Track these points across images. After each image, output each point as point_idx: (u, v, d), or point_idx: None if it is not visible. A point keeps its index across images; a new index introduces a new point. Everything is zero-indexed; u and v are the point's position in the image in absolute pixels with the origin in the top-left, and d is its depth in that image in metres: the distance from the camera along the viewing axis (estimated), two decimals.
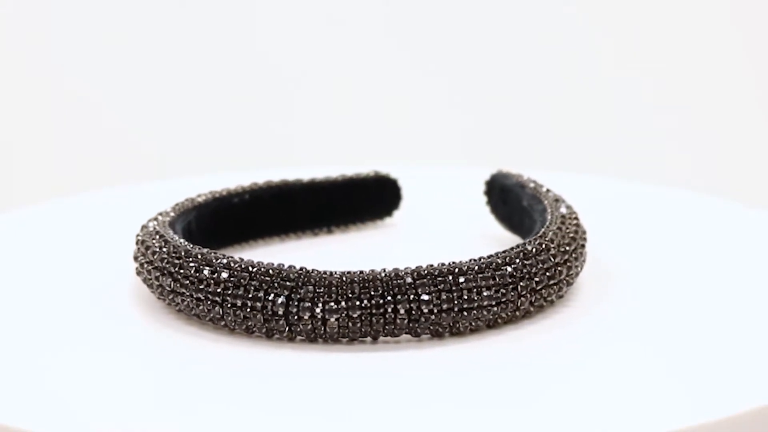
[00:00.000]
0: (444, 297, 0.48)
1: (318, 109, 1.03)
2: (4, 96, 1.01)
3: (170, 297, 0.50)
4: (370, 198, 0.62)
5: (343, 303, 0.47)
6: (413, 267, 0.48)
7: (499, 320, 0.49)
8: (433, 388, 0.45)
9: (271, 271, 0.48)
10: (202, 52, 1.02)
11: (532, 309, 0.50)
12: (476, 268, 0.48)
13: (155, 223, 0.53)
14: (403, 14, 1.03)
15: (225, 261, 0.48)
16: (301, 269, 0.48)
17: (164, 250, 0.50)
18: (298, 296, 0.47)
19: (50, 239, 0.62)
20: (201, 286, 0.48)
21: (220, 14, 1.02)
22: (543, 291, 0.50)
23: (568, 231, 0.52)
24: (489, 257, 0.49)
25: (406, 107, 1.03)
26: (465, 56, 1.03)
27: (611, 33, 1.03)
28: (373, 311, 0.47)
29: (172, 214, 0.55)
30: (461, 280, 0.48)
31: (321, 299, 0.47)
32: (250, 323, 0.48)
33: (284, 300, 0.47)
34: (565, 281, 0.51)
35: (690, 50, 1.02)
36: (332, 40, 1.03)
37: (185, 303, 0.49)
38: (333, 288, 0.47)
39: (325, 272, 0.48)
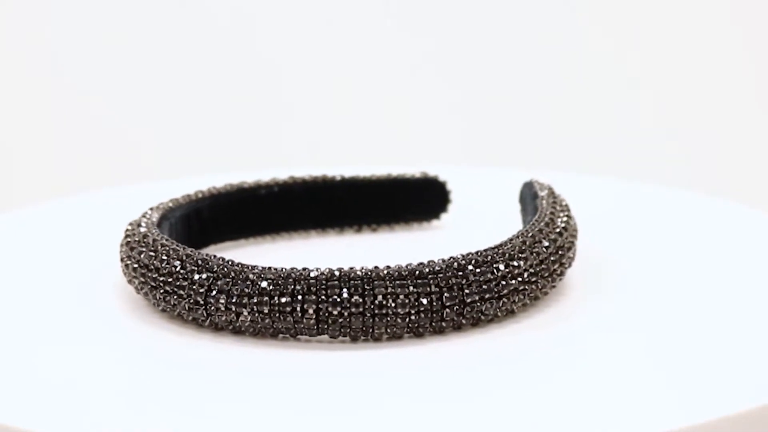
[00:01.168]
0: (354, 300, 0.47)
1: (318, 109, 1.03)
2: (4, 96, 1.01)
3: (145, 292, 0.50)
4: (416, 199, 0.61)
5: (254, 298, 0.47)
6: (368, 267, 0.47)
7: (420, 329, 0.48)
8: (415, 387, 0.45)
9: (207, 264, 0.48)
10: (202, 52, 1.02)
11: (463, 321, 0.48)
12: (396, 274, 0.47)
13: (144, 219, 0.53)
14: (403, 14, 1.03)
15: (181, 253, 0.49)
16: (233, 264, 0.48)
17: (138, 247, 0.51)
18: (216, 288, 0.48)
19: (50, 239, 0.62)
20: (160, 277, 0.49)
21: (222, 15, 1.03)
22: (473, 305, 0.48)
23: (535, 249, 0.50)
24: (419, 264, 0.48)
25: (406, 107, 1.03)
26: (466, 56, 1.03)
27: (611, 33, 1.03)
28: (282, 309, 0.47)
29: (170, 205, 0.56)
30: (377, 284, 0.47)
31: (237, 293, 0.47)
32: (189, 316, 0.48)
33: (204, 290, 0.48)
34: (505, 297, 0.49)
35: (690, 50, 1.02)
36: (332, 40, 1.03)
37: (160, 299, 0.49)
38: (248, 282, 0.47)
39: (252, 267, 0.47)
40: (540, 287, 0.50)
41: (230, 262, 0.48)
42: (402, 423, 0.43)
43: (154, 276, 0.50)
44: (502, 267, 0.49)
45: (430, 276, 0.48)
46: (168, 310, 0.50)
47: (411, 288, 0.47)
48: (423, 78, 1.03)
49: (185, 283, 0.48)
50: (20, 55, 1.01)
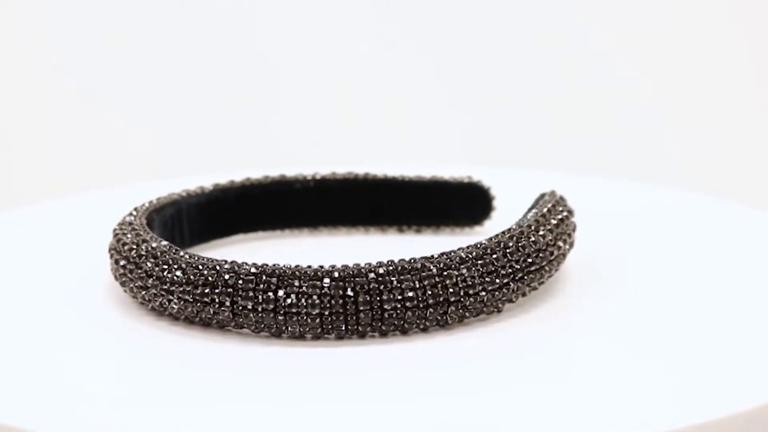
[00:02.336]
0: (266, 297, 0.47)
1: (318, 109, 1.03)
2: (4, 96, 1.01)
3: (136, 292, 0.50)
4: (459, 203, 0.60)
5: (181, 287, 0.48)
6: (336, 265, 0.48)
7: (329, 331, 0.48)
8: (399, 385, 0.46)
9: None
10: (202, 52, 1.02)
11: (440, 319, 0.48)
12: (312, 273, 0.47)
13: (131, 218, 0.53)
14: (402, 14, 1.03)
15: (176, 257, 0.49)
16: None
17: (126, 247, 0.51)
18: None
19: (49, 239, 0.62)
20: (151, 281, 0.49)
21: (223, 16, 1.03)
22: (431, 308, 0.48)
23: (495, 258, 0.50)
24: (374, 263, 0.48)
25: (405, 107, 1.03)
26: (466, 56, 1.03)
27: (611, 33, 1.03)
28: (202, 300, 0.48)
29: (179, 197, 0.57)
30: (326, 282, 0.47)
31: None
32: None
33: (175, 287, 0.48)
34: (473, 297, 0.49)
35: (690, 50, 1.02)
36: (331, 39, 1.03)
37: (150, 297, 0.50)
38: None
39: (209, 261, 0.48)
40: (511, 291, 0.50)
41: (196, 257, 0.49)
42: (396, 422, 0.43)
43: (135, 272, 0.50)
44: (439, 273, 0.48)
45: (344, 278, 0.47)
46: (156, 308, 0.50)
47: (311, 288, 0.47)
48: (422, 78, 1.03)
49: (156, 282, 0.49)
50: (20, 55, 1.01)
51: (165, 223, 0.57)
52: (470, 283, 0.48)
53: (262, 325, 0.48)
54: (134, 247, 0.51)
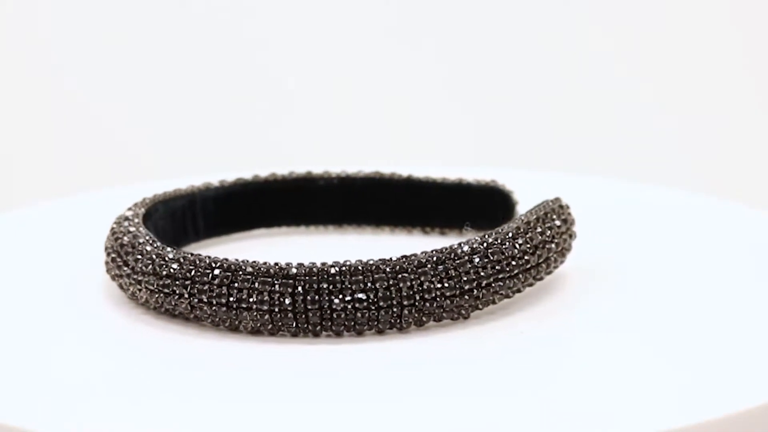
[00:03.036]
0: (219, 291, 0.48)
1: (318, 109, 1.03)
2: (4, 96, 1.01)
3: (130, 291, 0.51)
4: (480, 206, 0.59)
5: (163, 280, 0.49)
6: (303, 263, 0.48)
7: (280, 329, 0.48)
8: (386, 383, 0.46)
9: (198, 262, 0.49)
10: (202, 51, 1.02)
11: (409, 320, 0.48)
12: (264, 270, 0.48)
13: (131, 213, 0.54)
14: (402, 13, 1.03)
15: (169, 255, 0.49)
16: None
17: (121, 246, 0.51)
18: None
19: (50, 239, 0.62)
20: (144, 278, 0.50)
21: (223, 17, 1.03)
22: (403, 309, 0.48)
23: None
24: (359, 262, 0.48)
25: (408, 108, 1.03)
26: (466, 56, 1.03)
27: (611, 33, 1.03)
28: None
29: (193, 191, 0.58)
30: (277, 279, 0.47)
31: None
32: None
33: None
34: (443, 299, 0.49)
35: (690, 50, 1.02)
36: (330, 39, 1.03)
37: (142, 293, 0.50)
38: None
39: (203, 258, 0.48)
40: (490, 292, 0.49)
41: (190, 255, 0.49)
42: (392, 420, 0.43)
43: (115, 261, 0.51)
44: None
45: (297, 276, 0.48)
46: (149, 305, 0.50)
47: (262, 285, 0.47)
48: (425, 78, 1.03)
49: (129, 272, 0.50)
50: (20, 55, 1.01)
51: (173, 214, 0.58)
52: (427, 287, 0.48)
53: (217, 319, 0.48)
54: (119, 237, 0.52)
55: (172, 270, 0.49)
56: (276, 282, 0.47)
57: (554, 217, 0.52)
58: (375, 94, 1.03)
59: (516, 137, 1.03)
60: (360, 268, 0.48)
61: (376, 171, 0.61)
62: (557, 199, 0.53)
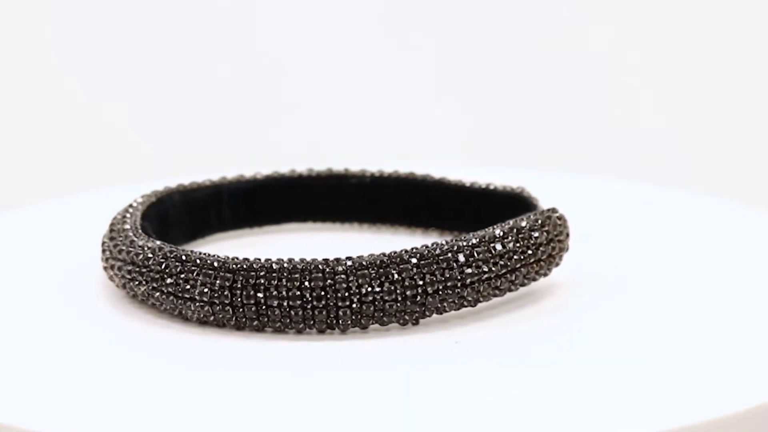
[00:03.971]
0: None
1: (317, 108, 1.03)
2: (4, 96, 1.01)
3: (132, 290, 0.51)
4: (504, 214, 0.57)
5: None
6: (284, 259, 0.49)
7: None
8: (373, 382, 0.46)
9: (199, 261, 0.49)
10: (201, 52, 1.02)
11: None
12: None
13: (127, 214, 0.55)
14: (402, 13, 1.03)
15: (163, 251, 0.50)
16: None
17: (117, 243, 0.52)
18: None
19: (50, 239, 0.62)
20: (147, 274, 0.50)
21: (224, 17, 1.03)
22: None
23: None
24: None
25: (406, 106, 1.03)
26: (466, 56, 1.03)
27: (611, 33, 1.03)
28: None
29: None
30: (219, 273, 0.48)
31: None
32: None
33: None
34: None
35: (690, 50, 1.02)
36: (330, 39, 1.03)
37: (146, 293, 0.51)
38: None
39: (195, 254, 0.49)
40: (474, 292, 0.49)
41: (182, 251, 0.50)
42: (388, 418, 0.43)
43: (122, 265, 0.51)
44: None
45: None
46: (145, 301, 0.51)
47: (204, 277, 0.48)
48: (422, 77, 1.03)
49: (109, 256, 0.52)
50: (20, 55, 1.01)
51: (193, 204, 0.59)
52: (365, 291, 0.48)
53: (174, 309, 0.49)
54: (113, 228, 0.53)
55: (135, 257, 0.50)
56: (217, 275, 0.48)
57: (535, 233, 0.51)
58: (375, 93, 1.04)
59: (516, 137, 1.03)
60: (298, 266, 0.48)
61: (411, 172, 0.61)
62: (545, 211, 0.52)
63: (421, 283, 0.48)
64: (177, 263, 0.49)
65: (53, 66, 1.01)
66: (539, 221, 0.51)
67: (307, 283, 0.48)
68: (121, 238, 0.52)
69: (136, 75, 1.02)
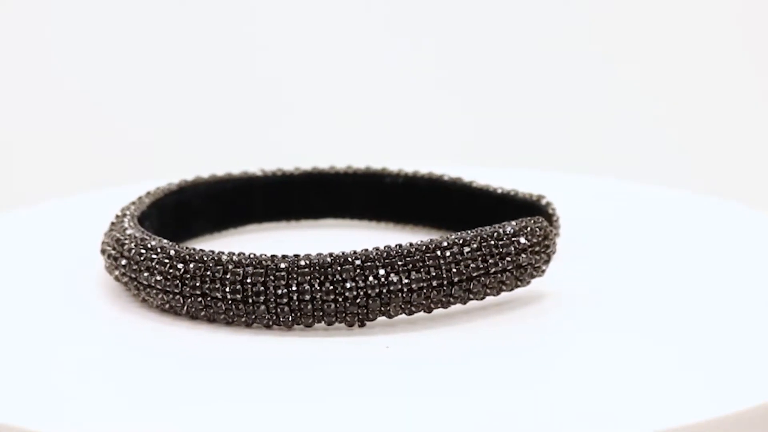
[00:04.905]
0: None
1: (317, 108, 1.03)
2: (4, 96, 1.01)
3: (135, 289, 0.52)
4: (515, 218, 0.56)
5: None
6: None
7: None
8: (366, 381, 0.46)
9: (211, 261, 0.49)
10: (203, 51, 1.02)
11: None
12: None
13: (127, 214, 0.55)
14: (402, 13, 1.03)
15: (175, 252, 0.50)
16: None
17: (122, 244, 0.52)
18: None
19: (50, 239, 0.62)
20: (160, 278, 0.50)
21: (224, 18, 1.03)
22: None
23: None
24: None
25: (405, 106, 1.03)
26: (466, 56, 1.03)
27: (611, 33, 1.03)
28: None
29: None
30: (178, 264, 0.49)
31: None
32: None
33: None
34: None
35: (690, 50, 1.02)
36: (330, 38, 1.03)
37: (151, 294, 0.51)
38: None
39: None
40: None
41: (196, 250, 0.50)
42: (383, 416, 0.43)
43: (123, 264, 0.52)
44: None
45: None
46: (147, 299, 0.51)
47: (164, 266, 0.49)
48: (423, 77, 1.03)
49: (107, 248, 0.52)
50: (20, 55, 1.01)
51: (216, 196, 0.61)
52: (303, 289, 0.48)
53: (159, 303, 0.50)
54: (114, 222, 0.54)
55: (134, 252, 0.51)
56: (179, 268, 0.49)
57: (500, 244, 0.50)
58: (377, 93, 1.04)
59: (516, 137, 1.03)
60: (254, 261, 0.48)
61: (444, 174, 0.61)
62: (529, 220, 0.51)
63: (362, 285, 0.48)
64: (142, 251, 0.50)
65: (54, 66, 1.01)
66: (525, 230, 0.50)
67: (249, 279, 0.48)
68: (115, 227, 0.53)
69: (137, 75, 1.02)
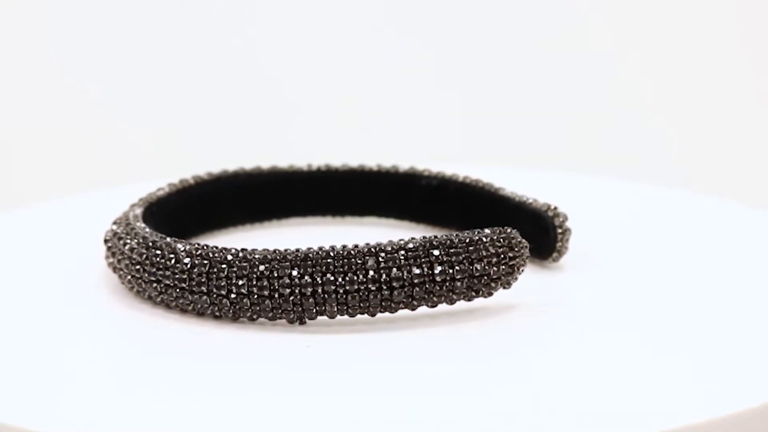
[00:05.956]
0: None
1: (317, 108, 1.03)
2: (4, 96, 1.01)
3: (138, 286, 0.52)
4: (529, 229, 0.55)
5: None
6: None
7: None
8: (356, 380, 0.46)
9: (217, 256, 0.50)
10: (203, 51, 1.02)
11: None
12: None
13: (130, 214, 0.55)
14: (402, 13, 1.03)
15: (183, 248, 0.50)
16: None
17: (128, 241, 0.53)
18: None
19: (50, 239, 0.62)
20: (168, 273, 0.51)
21: (225, 18, 1.03)
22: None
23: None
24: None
25: (405, 106, 1.03)
26: (466, 56, 1.03)
27: (611, 33, 1.03)
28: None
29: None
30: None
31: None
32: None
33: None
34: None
35: (690, 50, 1.03)
36: (330, 38, 1.03)
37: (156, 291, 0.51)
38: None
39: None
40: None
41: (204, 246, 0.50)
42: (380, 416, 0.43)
43: (129, 263, 0.52)
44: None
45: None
46: (151, 297, 0.51)
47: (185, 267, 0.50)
48: (424, 76, 1.03)
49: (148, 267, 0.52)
50: (20, 55, 1.01)
51: (236, 190, 0.62)
52: (240, 284, 0.49)
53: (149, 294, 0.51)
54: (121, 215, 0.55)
55: (115, 242, 0.52)
56: (194, 264, 0.49)
57: (460, 252, 0.49)
58: (377, 93, 1.04)
59: (516, 137, 1.03)
60: (233, 256, 0.49)
61: (477, 179, 0.61)
62: (495, 230, 0.50)
63: (299, 283, 0.48)
64: (158, 252, 0.50)
65: (54, 66, 1.01)
66: (488, 241, 0.49)
67: (196, 269, 0.49)
68: (120, 224, 0.54)
69: (137, 75, 1.02)
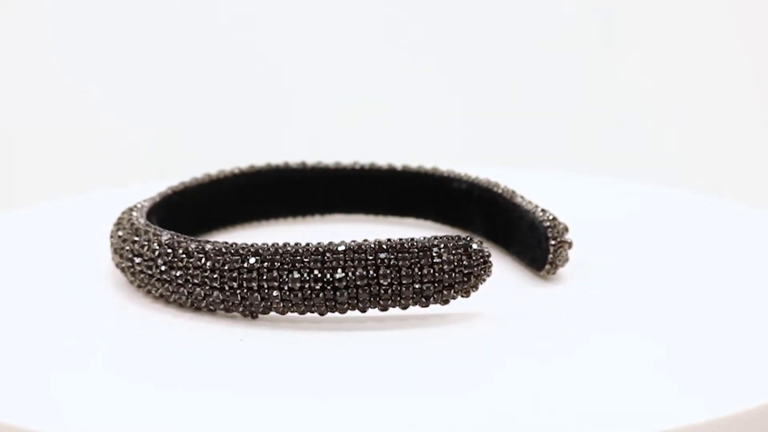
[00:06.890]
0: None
1: (316, 108, 1.03)
2: (4, 96, 1.01)
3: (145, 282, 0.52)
4: (529, 238, 0.56)
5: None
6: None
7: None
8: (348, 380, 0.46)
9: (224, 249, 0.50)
10: (203, 52, 1.02)
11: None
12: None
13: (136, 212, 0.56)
14: (402, 13, 1.03)
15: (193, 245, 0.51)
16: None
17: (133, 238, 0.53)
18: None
19: (50, 239, 0.62)
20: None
21: (225, 18, 1.03)
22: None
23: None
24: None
25: (405, 106, 1.03)
26: (466, 56, 1.03)
27: (611, 33, 1.03)
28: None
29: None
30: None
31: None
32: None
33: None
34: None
35: (690, 50, 1.03)
36: (330, 38, 1.03)
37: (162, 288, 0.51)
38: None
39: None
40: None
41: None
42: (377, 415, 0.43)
43: (131, 257, 0.52)
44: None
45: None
46: (153, 292, 0.52)
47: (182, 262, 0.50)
48: (424, 77, 1.03)
49: (148, 263, 0.52)
50: (20, 55, 1.01)
51: (255, 187, 0.63)
52: (212, 276, 0.49)
53: (151, 289, 0.52)
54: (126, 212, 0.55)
55: (122, 238, 0.53)
56: (189, 258, 0.49)
57: (422, 258, 0.48)
58: (377, 93, 1.04)
59: (516, 137, 1.03)
60: (223, 250, 0.49)
61: (501, 184, 0.61)
62: (455, 238, 0.49)
63: (246, 277, 0.49)
64: (164, 248, 0.50)
65: (54, 67, 1.01)
66: (444, 247, 0.49)
67: (176, 262, 0.50)
68: (123, 220, 0.54)
69: (137, 76, 1.02)
